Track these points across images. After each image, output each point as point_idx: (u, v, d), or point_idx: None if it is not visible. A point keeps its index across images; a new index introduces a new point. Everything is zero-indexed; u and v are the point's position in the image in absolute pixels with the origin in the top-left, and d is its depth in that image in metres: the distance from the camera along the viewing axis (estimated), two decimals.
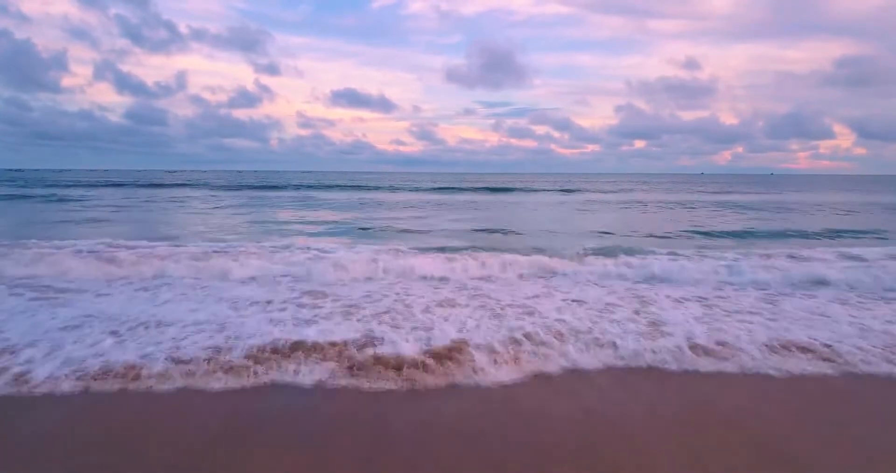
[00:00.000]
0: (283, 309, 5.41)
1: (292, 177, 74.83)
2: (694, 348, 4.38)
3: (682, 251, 8.88)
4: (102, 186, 38.71)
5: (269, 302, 5.67)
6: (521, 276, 7.29)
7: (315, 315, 5.20)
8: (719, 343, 4.48)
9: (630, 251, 8.66)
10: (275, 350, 4.19)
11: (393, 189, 37.67)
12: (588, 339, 4.57)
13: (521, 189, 39.46)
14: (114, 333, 4.55)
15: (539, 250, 8.59)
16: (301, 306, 5.57)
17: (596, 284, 6.90)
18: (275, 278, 6.89)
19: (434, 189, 37.68)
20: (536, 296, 6.13)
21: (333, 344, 4.31)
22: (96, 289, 6.21)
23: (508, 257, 7.87)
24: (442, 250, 8.73)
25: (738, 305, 5.86)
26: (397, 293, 6.15)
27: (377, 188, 38.74)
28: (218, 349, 4.19)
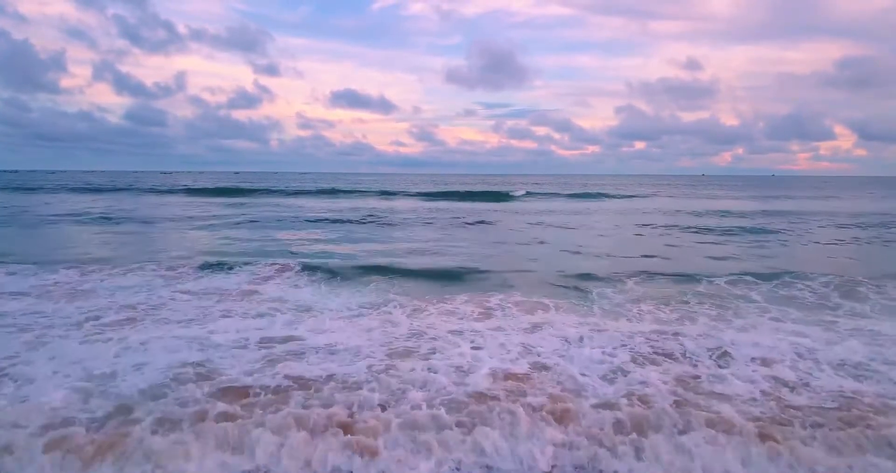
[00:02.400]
0: None
1: (290, 178, 71.23)
2: None
3: None
4: (70, 190, 35.10)
5: None
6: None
7: None
8: None
9: None
10: None
11: (391, 194, 33.71)
12: None
13: (529, 193, 35.49)
14: None
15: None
16: None
17: None
18: None
19: (437, 194, 33.60)
20: None
21: None
22: None
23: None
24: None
25: None
26: None
27: (375, 193, 34.78)
28: None
